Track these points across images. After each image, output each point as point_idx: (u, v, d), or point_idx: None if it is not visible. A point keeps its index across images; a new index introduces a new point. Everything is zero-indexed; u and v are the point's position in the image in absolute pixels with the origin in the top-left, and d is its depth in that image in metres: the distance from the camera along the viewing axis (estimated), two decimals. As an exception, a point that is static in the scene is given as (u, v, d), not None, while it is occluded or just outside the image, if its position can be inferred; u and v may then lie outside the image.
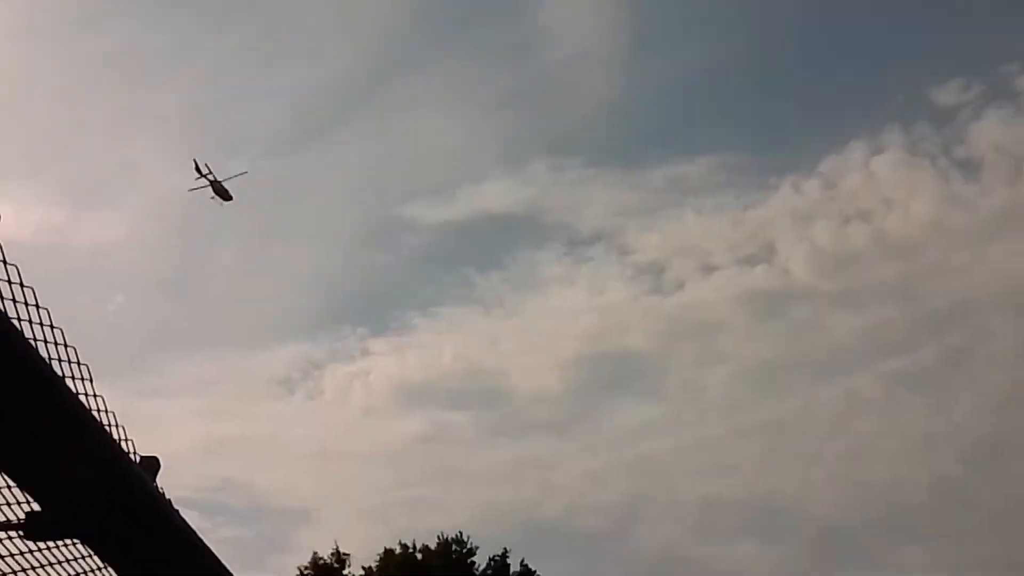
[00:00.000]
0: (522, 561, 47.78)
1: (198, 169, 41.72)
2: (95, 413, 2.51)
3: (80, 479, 2.60)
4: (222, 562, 3.30)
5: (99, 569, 3.10)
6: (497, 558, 47.82)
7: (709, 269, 71.41)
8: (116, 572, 3.05)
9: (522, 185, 75.39)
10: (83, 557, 3.07)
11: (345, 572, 47.74)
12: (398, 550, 47.91)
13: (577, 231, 73.97)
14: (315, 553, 47.54)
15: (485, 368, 73.23)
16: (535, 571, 47.55)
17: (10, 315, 2.14)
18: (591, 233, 74.83)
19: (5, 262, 2.33)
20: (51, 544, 2.95)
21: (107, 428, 2.59)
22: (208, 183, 42.68)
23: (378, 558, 47.81)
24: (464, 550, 47.82)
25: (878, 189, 68.75)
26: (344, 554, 47.90)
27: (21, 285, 2.35)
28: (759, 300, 72.52)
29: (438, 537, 48.18)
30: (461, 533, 48.31)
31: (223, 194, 43.32)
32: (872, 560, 63.80)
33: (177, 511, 3.03)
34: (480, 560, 47.84)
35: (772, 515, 68.30)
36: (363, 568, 47.90)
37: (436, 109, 79.25)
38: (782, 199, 68.59)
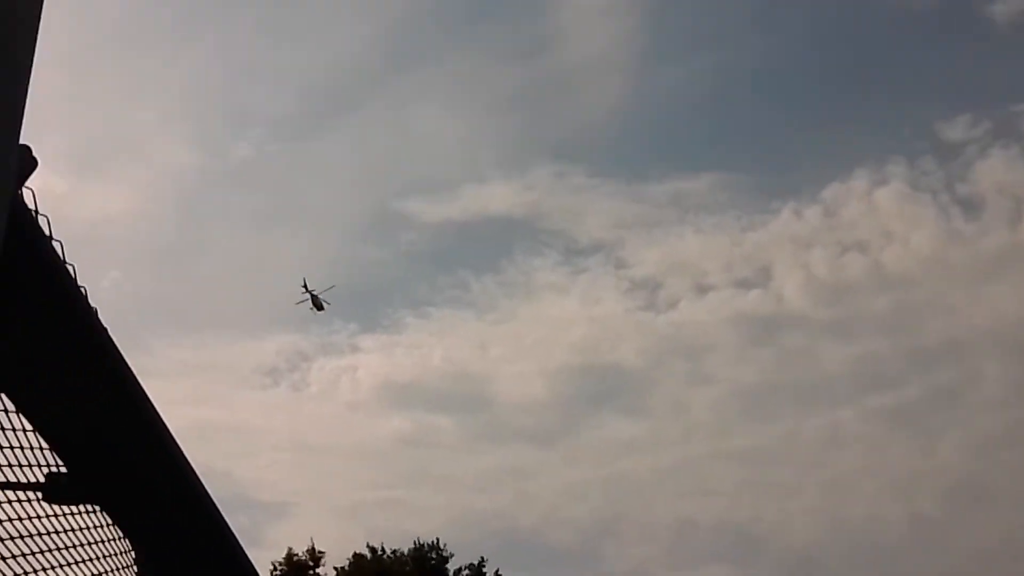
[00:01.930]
0: (496, 571, 47.61)
1: (305, 286, 52.46)
2: (135, 375, 2.42)
3: (109, 439, 2.50)
4: (245, 552, 3.20)
5: (117, 539, 3.01)
6: (472, 566, 47.61)
7: (704, 289, 71.36)
8: (133, 544, 2.96)
9: (524, 189, 75.07)
10: (102, 526, 2.98)
11: (319, 571, 47.53)
12: (369, 555, 47.68)
13: (575, 240, 73.70)
14: (290, 549, 47.33)
15: (473, 372, 73.01)
16: (509, 582, 47.36)
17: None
18: (590, 243, 74.71)
19: (51, 238, 2.25)
20: (70, 511, 2.86)
21: (146, 394, 2.50)
22: (310, 297, 52.87)
23: (348, 562, 47.60)
24: (438, 557, 47.61)
25: (878, 220, 68.83)
26: (319, 552, 47.72)
27: (64, 262, 2.28)
28: (751, 324, 72.54)
29: (414, 542, 48.03)
30: (438, 540, 48.17)
31: (319, 305, 53.62)
32: (844, 595, 63.75)
33: (207, 492, 2.93)
34: (455, 566, 47.68)
35: (747, 543, 68.24)
36: (335, 569, 47.67)
37: (444, 104, 79.22)
38: (782, 223, 68.57)
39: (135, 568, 2.99)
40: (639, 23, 74.78)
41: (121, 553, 3.02)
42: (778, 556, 66.21)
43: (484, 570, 47.55)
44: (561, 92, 79.16)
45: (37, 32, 1.37)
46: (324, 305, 54.38)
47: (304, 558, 47.11)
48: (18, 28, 1.31)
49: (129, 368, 2.38)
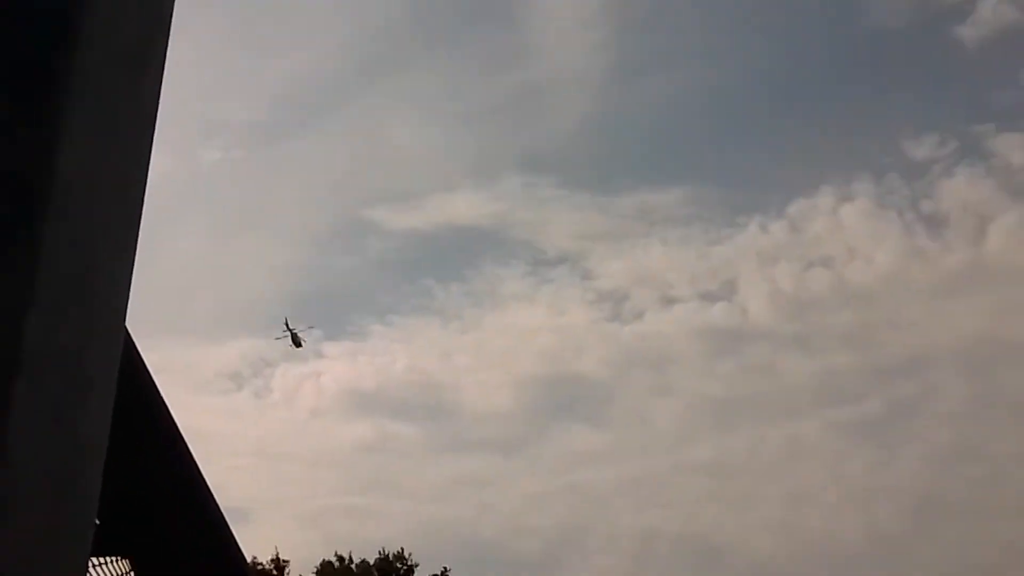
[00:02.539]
0: (461, 582, 47.50)
1: (287, 324, 55.72)
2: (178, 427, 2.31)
3: (145, 492, 2.38)
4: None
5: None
6: (437, 576, 47.49)
7: (669, 301, 71.77)
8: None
9: (492, 199, 75.36)
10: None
11: (282, 580, 47.19)
12: (336, 563, 47.44)
13: (542, 251, 73.97)
14: (254, 558, 46.94)
15: (437, 381, 73.02)
16: (474, 593, 47.24)
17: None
18: (556, 254, 74.93)
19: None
20: (98, 561, 2.73)
21: (188, 448, 2.38)
22: (290, 335, 56.12)
23: (315, 571, 47.32)
24: (404, 567, 47.42)
25: (843, 237, 69.48)
26: (284, 560, 47.37)
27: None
28: (716, 336, 73.06)
29: (379, 552, 47.80)
30: (403, 549, 47.96)
31: (298, 343, 57.08)
32: (806, 608, 64.03)
33: (236, 541, 2.80)
34: (420, 577, 47.48)
35: (709, 553, 68.48)
36: (300, 577, 47.39)
37: (414, 113, 79.37)
38: (748, 237, 69.08)
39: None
40: (611, 37, 75.23)
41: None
42: (739, 568, 66.55)
43: (449, 580, 47.41)
44: (532, 104, 79.51)
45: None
46: (302, 343, 58.14)
47: (268, 567, 46.76)
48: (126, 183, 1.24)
49: (171, 417, 2.26)
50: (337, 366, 69.46)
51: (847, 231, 69.04)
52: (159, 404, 2.22)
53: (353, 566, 47.51)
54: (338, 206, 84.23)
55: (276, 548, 47.64)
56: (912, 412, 73.63)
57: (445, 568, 47.70)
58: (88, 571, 2.75)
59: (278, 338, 57.45)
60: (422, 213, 74.56)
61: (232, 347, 73.91)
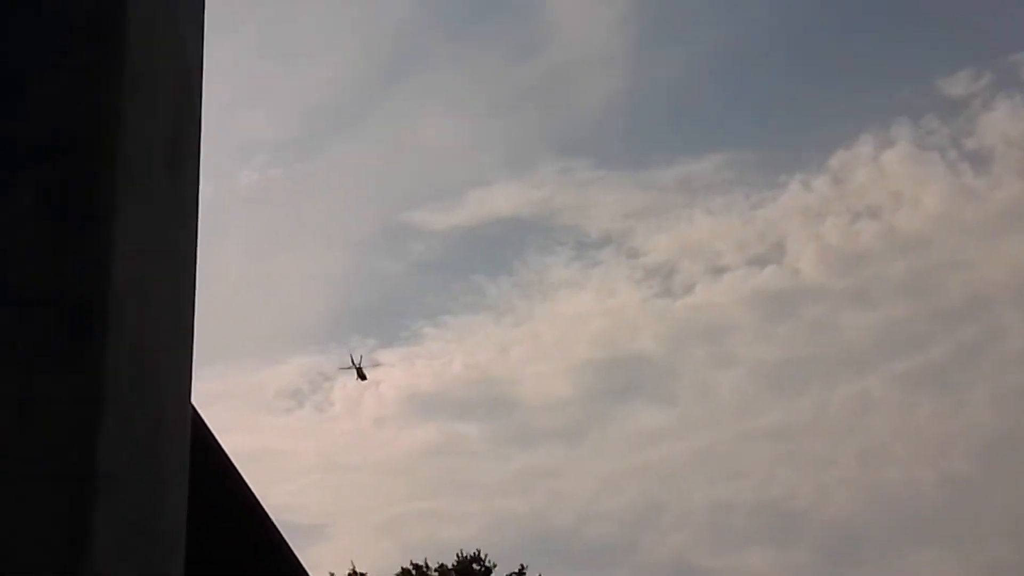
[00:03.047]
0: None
1: (351, 359, 58.89)
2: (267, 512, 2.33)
3: (228, 552, 2.41)
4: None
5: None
6: (514, 575, 47.58)
7: (719, 270, 71.19)
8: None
9: (530, 188, 74.85)
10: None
11: (363, 592, 47.49)
12: (413, 571, 47.66)
13: (586, 234, 73.75)
14: (332, 574, 47.32)
15: (495, 377, 72.96)
16: (553, 586, 47.26)
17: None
18: (600, 236, 74.51)
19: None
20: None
21: (273, 522, 2.40)
22: (355, 369, 59.19)
23: (395, 577, 47.56)
24: (482, 568, 47.57)
25: (888, 184, 68.56)
26: (361, 573, 47.67)
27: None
28: (769, 300, 72.31)
29: (457, 555, 47.95)
30: (479, 551, 48.11)
31: (363, 376, 60.26)
32: (888, 563, 63.61)
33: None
34: (498, 576, 47.62)
35: (785, 520, 68.14)
36: (380, 588, 47.65)
37: (442, 111, 79.15)
38: (791, 196, 68.28)
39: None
40: (629, 11, 74.72)
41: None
42: (818, 532, 66.16)
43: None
44: (560, 86, 79.22)
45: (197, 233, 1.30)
46: (367, 375, 60.71)
47: (347, 582, 47.09)
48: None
49: (256, 499, 2.29)
50: (395, 373, 69.69)
51: (891, 178, 68.24)
52: (227, 468, 2.25)
53: (431, 572, 47.72)
54: (377, 212, 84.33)
55: (352, 562, 48.02)
56: (977, 354, 72.66)
57: (522, 566, 47.81)
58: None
59: (343, 368, 59.29)
60: (462, 210, 74.60)
61: (290, 365, 74.32)
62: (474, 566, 47.62)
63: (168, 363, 1.27)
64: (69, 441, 1.04)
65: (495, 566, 47.71)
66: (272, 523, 2.12)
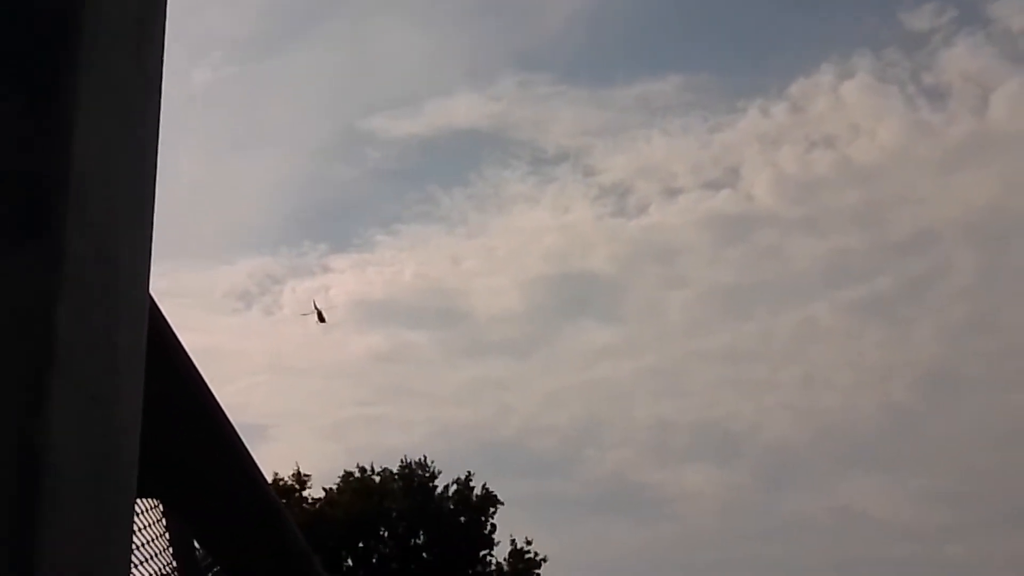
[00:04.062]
0: (484, 485, 48.25)
1: (315, 304, 57.83)
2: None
3: (174, 438, 2.42)
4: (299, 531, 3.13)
5: (159, 538, 2.94)
6: (459, 481, 48.21)
7: (673, 192, 71.53)
8: (196, 538, 2.89)
9: (490, 100, 74.34)
10: (158, 521, 2.91)
11: (305, 493, 47.97)
12: (358, 474, 48.14)
13: (543, 149, 73.30)
14: (276, 474, 47.69)
15: (447, 287, 72.94)
16: (496, 495, 48.04)
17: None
18: (557, 152, 74.31)
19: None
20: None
21: (215, 399, 2.41)
22: (316, 313, 58.19)
23: (338, 480, 48.05)
24: (427, 474, 48.16)
25: (845, 114, 68.86)
26: (305, 475, 48.12)
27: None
28: (722, 224, 72.66)
29: (401, 461, 48.51)
30: (424, 457, 48.66)
31: (322, 319, 58.92)
32: (826, 487, 65.19)
33: (263, 478, 2.86)
34: (443, 483, 48.27)
35: (726, 440, 69.45)
36: (323, 489, 48.15)
37: (405, 18, 78.20)
38: (749, 122, 68.24)
39: (194, 561, 2.93)
40: (597, -74, 73.65)
41: (176, 546, 2.95)
42: (759, 453, 67.53)
43: (472, 484, 48.19)
44: (523, 0, 78.18)
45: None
46: (325, 318, 60.71)
47: (290, 482, 47.51)
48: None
49: (199, 374, 2.29)
50: (345, 278, 69.55)
51: (849, 109, 68.32)
52: (185, 362, 2.25)
53: (375, 476, 48.26)
54: (335, 117, 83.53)
55: (297, 463, 48.40)
56: (924, 288, 73.78)
57: (469, 472, 48.44)
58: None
59: (305, 315, 59.28)
60: (420, 119, 73.82)
61: (240, 266, 73.89)
62: (419, 472, 48.21)
63: (128, 248, 1.27)
64: (28, 313, 1.05)
65: (440, 473, 48.37)
66: (227, 418, 2.14)
